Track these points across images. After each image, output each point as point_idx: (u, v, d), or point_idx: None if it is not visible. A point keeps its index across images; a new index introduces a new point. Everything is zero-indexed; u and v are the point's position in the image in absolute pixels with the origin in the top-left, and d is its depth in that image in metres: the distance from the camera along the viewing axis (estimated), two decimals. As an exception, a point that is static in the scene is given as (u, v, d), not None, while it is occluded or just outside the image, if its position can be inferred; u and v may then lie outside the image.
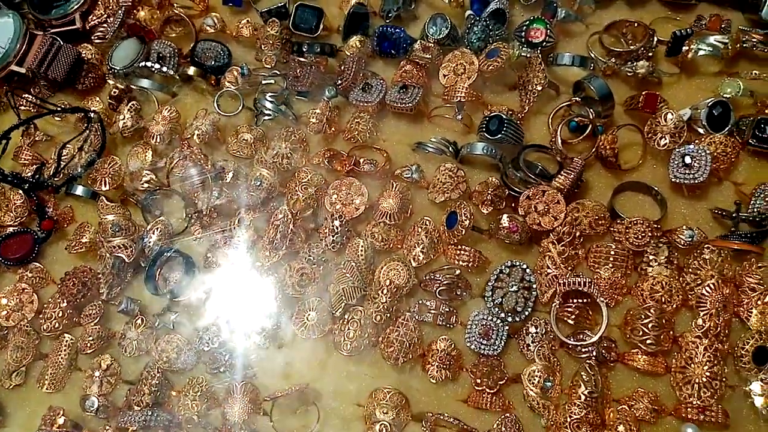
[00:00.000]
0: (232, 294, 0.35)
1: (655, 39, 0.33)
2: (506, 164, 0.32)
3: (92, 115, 0.39)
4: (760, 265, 0.30)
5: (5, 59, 0.36)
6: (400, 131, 0.34)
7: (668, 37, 0.33)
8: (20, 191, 0.39)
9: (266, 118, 0.35)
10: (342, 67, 0.35)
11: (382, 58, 0.35)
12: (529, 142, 0.33)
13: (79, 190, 0.38)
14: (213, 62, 0.37)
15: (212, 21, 0.38)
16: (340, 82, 0.35)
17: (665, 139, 0.31)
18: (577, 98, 0.33)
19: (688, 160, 0.31)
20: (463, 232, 0.31)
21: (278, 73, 0.36)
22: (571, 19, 0.35)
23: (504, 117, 0.32)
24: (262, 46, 0.36)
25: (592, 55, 0.34)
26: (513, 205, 0.32)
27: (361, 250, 0.32)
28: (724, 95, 0.32)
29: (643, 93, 0.32)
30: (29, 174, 0.38)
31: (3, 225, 0.39)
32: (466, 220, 0.31)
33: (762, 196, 0.30)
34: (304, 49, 0.35)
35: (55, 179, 0.39)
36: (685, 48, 0.33)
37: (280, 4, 0.35)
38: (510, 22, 0.35)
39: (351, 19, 0.36)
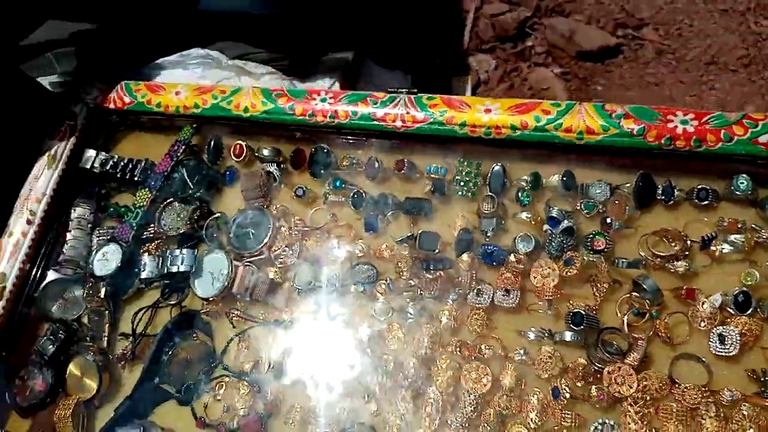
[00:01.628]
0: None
1: (689, 241, 0.46)
2: (589, 346, 0.46)
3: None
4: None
5: (223, 288, 0.52)
6: (508, 323, 0.48)
7: (699, 236, 0.46)
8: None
9: (410, 320, 0.50)
10: (459, 278, 0.50)
11: (487, 268, 0.50)
12: (604, 325, 0.46)
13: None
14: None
15: (361, 247, 0.53)
16: (459, 289, 0.49)
17: (704, 322, 0.44)
18: (635, 292, 0.46)
19: (722, 337, 0.43)
20: (564, 402, 0.44)
21: (412, 284, 0.51)
22: (622, 228, 0.48)
23: (583, 312, 0.45)
24: (399, 263, 0.50)
25: (642, 254, 0.47)
26: (598, 376, 0.45)
27: (491, 417, 0.45)
28: (746, 284, 0.44)
29: (684, 287, 0.45)
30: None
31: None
32: (565, 391, 0.44)
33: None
34: (431, 267, 0.50)
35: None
36: (712, 247, 0.46)
37: (408, 235, 0.50)
38: (578, 231, 0.49)
39: (460, 239, 0.50)
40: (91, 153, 0.62)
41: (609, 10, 0.77)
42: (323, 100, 0.55)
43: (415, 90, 0.54)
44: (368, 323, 0.50)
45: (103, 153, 0.62)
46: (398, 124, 0.53)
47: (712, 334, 0.43)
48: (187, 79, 0.65)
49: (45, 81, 0.66)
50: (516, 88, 0.71)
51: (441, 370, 0.47)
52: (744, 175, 0.46)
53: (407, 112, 0.53)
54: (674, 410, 0.42)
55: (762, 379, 0.42)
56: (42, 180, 0.60)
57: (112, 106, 0.63)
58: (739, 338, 0.42)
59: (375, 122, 0.53)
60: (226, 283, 0.53)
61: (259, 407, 0.50)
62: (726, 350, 0.42)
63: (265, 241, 0.54)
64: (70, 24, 0.67)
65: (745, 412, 0.40)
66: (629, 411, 0.43)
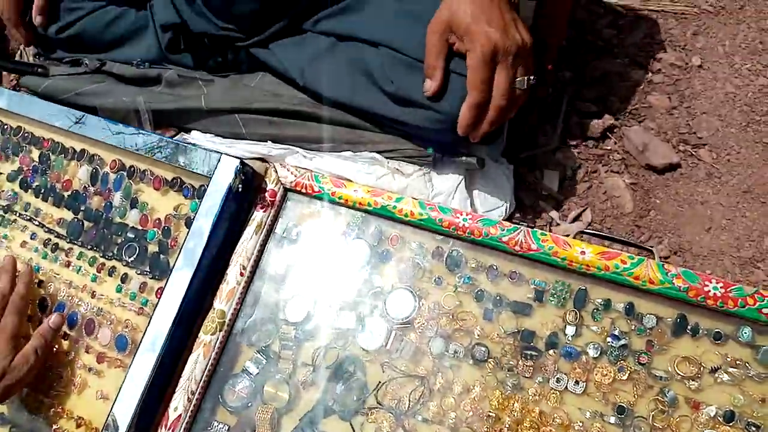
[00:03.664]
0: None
1: (702, 366, 0.71)
2: (626, 427, 0.72)
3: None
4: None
5: (380, 346, 0.78)
6: (574, 403, 0.74)
7: (710, 364, 0.71)
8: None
9: (507, 390, 0.76)
10: (545, 366, 0.75)
11: (565, 362, 0.75)
12: (637, 415, 0.72)
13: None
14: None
15: (479, 330, 0.79)
16: (544, 374, 0.75)
17: (701, 425, 0.70)
18: (660, 396, 0.72)
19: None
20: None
21: (512, 364, 0.76)
22: (660, 349, 0.73)
23: (624, 406, 0.71)
24: (504, 347, 0.76)
25: (669, 370, 0.72)
26: (630, 447, 0.71)
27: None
28: (733, 404, 0.69)
29: (693, 399, 0.70)
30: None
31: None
32: (607, 454, 0.71)
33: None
34: (527, 354, 0.75)
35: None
36: (716, 374, 0.71)
37: (515, 330, 0.75)
38: (631, 345, 0.74)
39: (550, 338, 0.76)
40: (284, 224, 0.86)
41: (676, 123, 0.97)
42: (464, 220, 0.79)
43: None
44: (480, 387, 0.76)
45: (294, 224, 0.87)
46: (517, 248, 0.77)
47: (706, 433, 0.69)
48: (357, 171, 0.89)
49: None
50: (593, 189, 0.93)
51: (524, 428, 0.73)
52: (748, 328, 0.71)
53: (524, 241, 0.77)
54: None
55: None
56: (251, 242, 0.85)
57: (303, 190, 0.86)
58: (723, 440, 0.68)
59: (500, 243, 0.78)
60: (383, 342, 0.79)
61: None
62: (713, 447, 0.68)
63: (412, 314, 0.80)
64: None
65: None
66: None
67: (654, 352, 0.73)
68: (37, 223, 0.96)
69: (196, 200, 0.87)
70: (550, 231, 0.93)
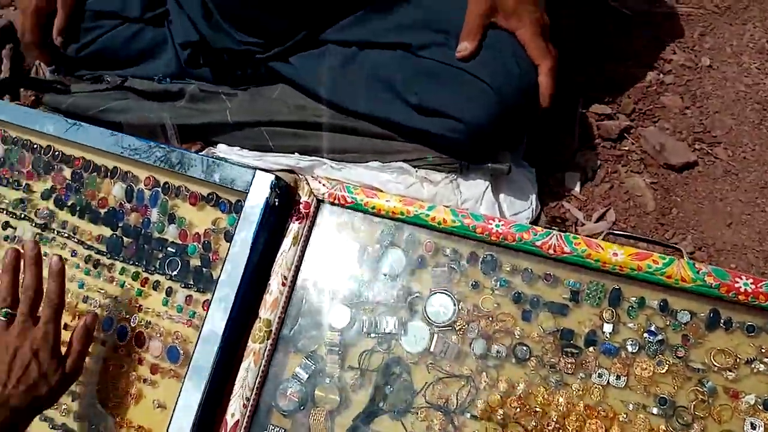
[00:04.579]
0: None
1: (738, 358, 0.74)
2: (668, 417, 0.74)
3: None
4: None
5: (425, 348, 0.81)
6: (617, 396, 0.77)
7: (745, 356, 0.74)
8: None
9: (551, 387, 0.79)
10: (586, 362, 0.78)
11: (605, 358, 0.78)
12: (677, 405, 0.75)
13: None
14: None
15: (519, 330, 0.81)
16: (585, 370, 0.78)
17: (742, 413, 0.73)
18: (699, 387, 0.75)
19: (753, 424, 0.72)
20: (649, 451, 0.74)
21: (553, 362, 0.79)
22: (695, 342, 0.76)
23: (666, 397, 0.74)
24: (544, 346, 0.79)
25: (706, 362, 0.75)
26: (671, 437, 0.74)
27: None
28: (769, 393, 0.73)
29: (731, 389, 0.73)
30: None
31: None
32: (650, 445, 0.74)
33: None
34: (567, 352, 0.78)
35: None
36: (752, 365, 0.74)
37: (554, 329, 0.78)
38: (667, 340, 0.77)
39: (588, 336, 0.78)
40: (320, 234, 0.89)
41: (690, 123, 1.00)
42: (497, 225, 0.82)
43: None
44: (525, 384, 0.78)
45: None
46: (551, 252, 0.80)
47: (746, 421, 0.72)
48: (387, 181, 0.91)
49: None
50: (614, 189, 0.96)
51: (571, 421, 0.76)
52: (780, 320, 0.74)
53: (558, 244, 0.79)
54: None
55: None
56: (290, 253, 0.87)
57: (336, 201, 0.89)
58: (763, 426, 0.71)
59: (534, 248, 0.80)
60: (427, 345, 0.81)
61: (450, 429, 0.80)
62: (754, 432, 0.71)
63: (453, 317, 0.82)
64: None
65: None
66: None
67: (690, 346, 0.76)
68: (76, 240, 0.97)
69: (234, 214, 0.89)
70: (576, 231, 0.96)
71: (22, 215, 1.02)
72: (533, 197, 0.96)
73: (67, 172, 1.01)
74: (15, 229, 1.02)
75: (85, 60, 1.13)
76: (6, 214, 1.03)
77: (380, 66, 0.92)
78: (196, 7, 1.02)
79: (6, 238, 1.02)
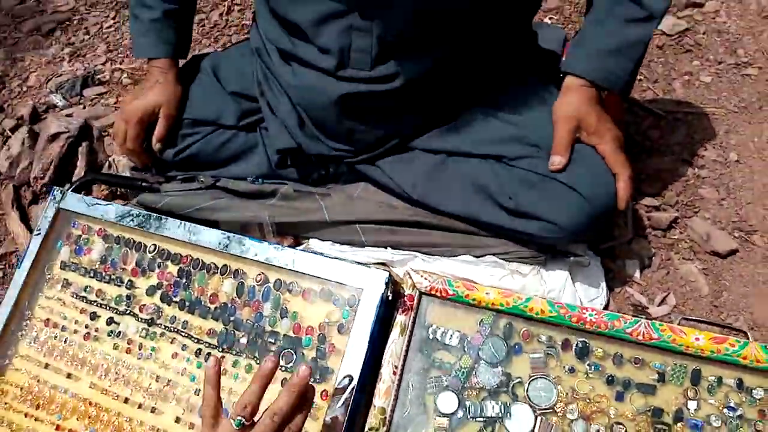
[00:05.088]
0: None
1: (810, 430, 0.86)
2: (755, 486, 0.85)
3: None
4: None
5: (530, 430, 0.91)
6: (707, 467, 0.87)
7: (815, 427, 0.86)
8: None
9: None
10: (678, 438, 0.89)
11: (693, 433, 0.89)
12: (762, 474, 0.86)
13: None
14: None
15: (614, 410, 0.92)
16: (677, 444, 0.88)
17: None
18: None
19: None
20: None
21: (648, 436, 0.90)
22: (772, 417, 0.88)
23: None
24: (638, 424, 0.89)
25: None
26: (760, 504, 0.85)
27: None
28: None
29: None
30: None
31: None
32: None
33: None
34: (658, 429, 0.89)
35: None
36: (823, 436, 0.85)
37: (647, 408, 0.89)
38: (744, 414, 0.88)
39: (676, 413, 0.89)
40: (423, 324, 0.99)
41: (727, 213, 1.14)
42: (591, 315, 0.93)
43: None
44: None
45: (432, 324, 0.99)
46: (640, 338, 0.91)
47: (824, 487, 0.83)
48: (481, 274, 1.02)
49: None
50: (670, 274, 1.09)
51: (670, 492, 0.86)
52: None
53: (646, 331, 0.91)
54: None
55: None
56: (398, 344, 0.97)
57: (438, 294, 0.99)
58: (839, 492, 0.82)
59: (625, 335, 0.92)
60: (531, 427, 0.91)
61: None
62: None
63: (554, 400, 0.92)
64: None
65: None
66: None
67: (766, 419, 0.88)
68: (185, 334, 1.05)
69: (347, 308, 0.98)
70: (641, 315, 1.08)
71: (127, 311, 1.10)
72: (603, 284, 1.08)
73: (173, 269, 1.10)
74: (118, 324, 1.10)
75: (180, 162, 1.23)
76: (108, 309, 1.11)
77: (471, 171, 1.04)
78: (292, 117, 1.14)
79: (110, 334, 1.09)
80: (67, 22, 1.85)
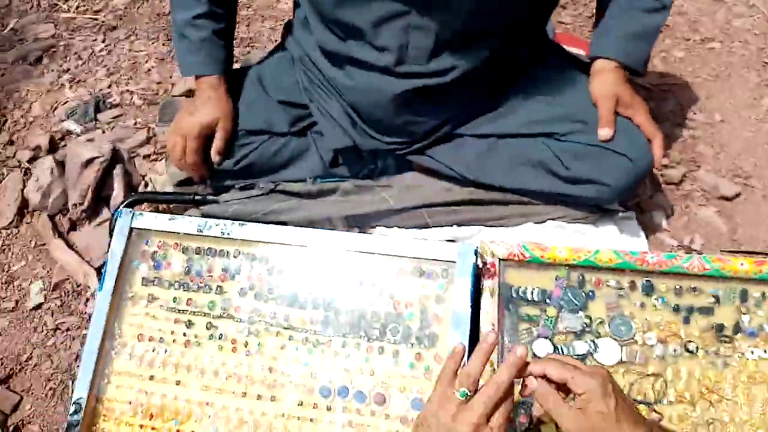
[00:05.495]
0: None
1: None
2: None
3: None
4: None
5: (618, 360, 1.05)
6: None
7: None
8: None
9: None
10: (740, 347, 1.06)
11: None
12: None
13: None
14: None
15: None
16: None
17: None
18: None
19: None
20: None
21: (715, 350, 1.06)
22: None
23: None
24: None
25: None
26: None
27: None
28: None
29: None
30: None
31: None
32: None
33: None
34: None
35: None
36: None
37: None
38: None
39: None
40: (507, 285, 1.12)
41: (724, 164, 1.34)
42: (651, 257, 1.09)
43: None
44: (700, 371, 1.05)
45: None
46: (695, 270, 1.08)
47: None
48: (549, 237, 1.16)
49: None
50: (691, 220, 1.28)
51: (740, 391, 1.03)
52: None
53: (699, 264, 1.08)
54: None
55: None
56: (492, 305, 1.09)
57: (515, 258, 1.12)
58: None
59: (683, 269, 1.08)
60: (620, 357, 1.06)
61: None
62: None
63: (634, 332, 1.07)
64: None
65: None
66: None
67: (805, 321, 1.07)
68: (288, 326, 1.12)
69: (441, 280, 1.09)
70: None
71: (223, 314, 1.16)
72: (642, 234, 1.25)
73: (262, 269, 1.17)
74: (217, 327, 1.15)
75: (238, 172, 1.30)
76: (204, 316, 1.16)
77: (524, 149, 1.19)
78: (344, 118, 1.24)
79: (211, 337, 1.15)
80: (53, 49, 1.84)
